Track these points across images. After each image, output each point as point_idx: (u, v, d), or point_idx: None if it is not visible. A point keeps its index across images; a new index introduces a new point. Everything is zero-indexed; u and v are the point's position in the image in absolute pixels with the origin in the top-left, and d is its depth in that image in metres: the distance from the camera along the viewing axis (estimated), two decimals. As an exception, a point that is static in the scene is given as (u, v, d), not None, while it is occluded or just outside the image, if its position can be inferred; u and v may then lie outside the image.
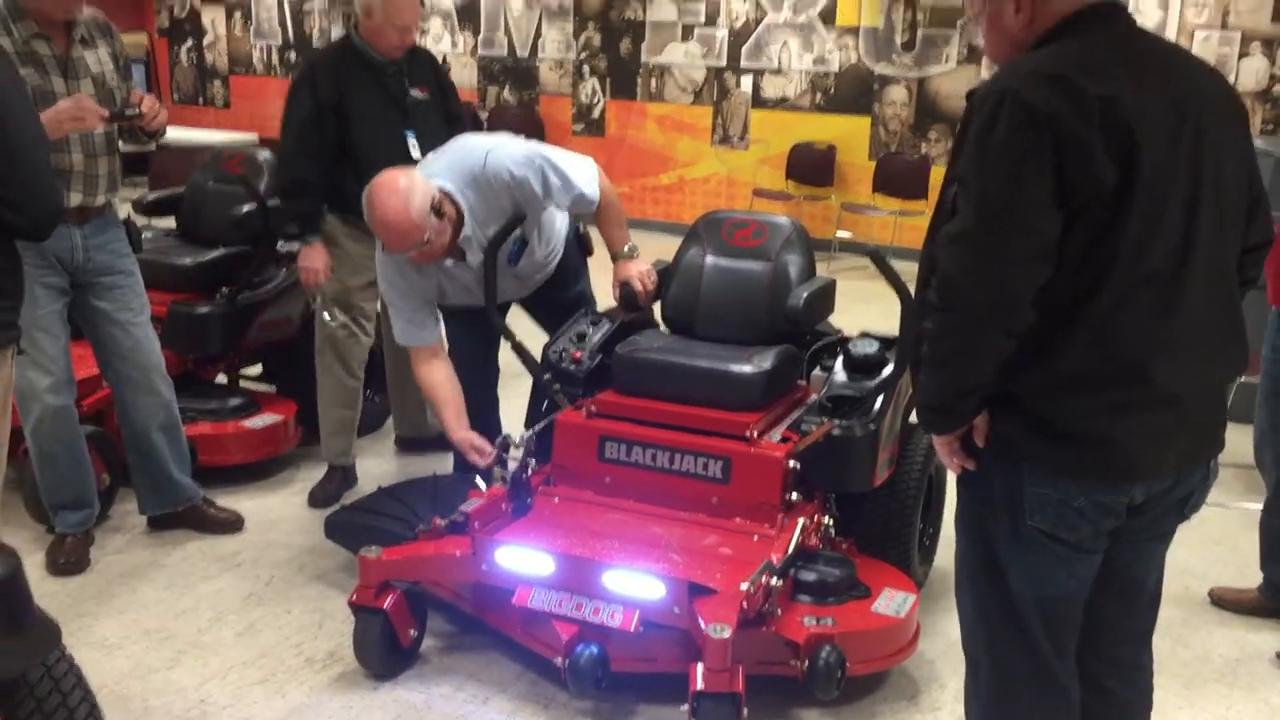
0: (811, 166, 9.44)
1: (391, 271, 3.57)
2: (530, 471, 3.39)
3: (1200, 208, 1.89)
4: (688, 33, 9.93)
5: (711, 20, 9.80)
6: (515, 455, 3.40)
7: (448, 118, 4.34)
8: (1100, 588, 2.10)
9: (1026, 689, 2.12)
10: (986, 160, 1.84)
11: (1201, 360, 1.96)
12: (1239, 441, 4.84)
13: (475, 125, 9.25)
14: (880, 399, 3.30)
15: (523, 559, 3.03)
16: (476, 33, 10.92)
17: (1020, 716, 2.16)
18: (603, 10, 10.26)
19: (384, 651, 3.13)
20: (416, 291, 3.59)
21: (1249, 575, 3.89)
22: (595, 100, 10.49)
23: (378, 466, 4.63)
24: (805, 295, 3.54)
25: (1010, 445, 1.97)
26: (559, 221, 3.81)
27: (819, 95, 9.43)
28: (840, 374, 3.43)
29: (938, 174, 8.96)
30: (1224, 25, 8.11)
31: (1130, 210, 1.83)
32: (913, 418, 3.81)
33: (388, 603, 3.09)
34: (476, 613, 3.27)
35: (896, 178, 9.02)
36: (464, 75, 10.99)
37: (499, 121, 10.69)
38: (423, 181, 3.32)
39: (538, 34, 10.64)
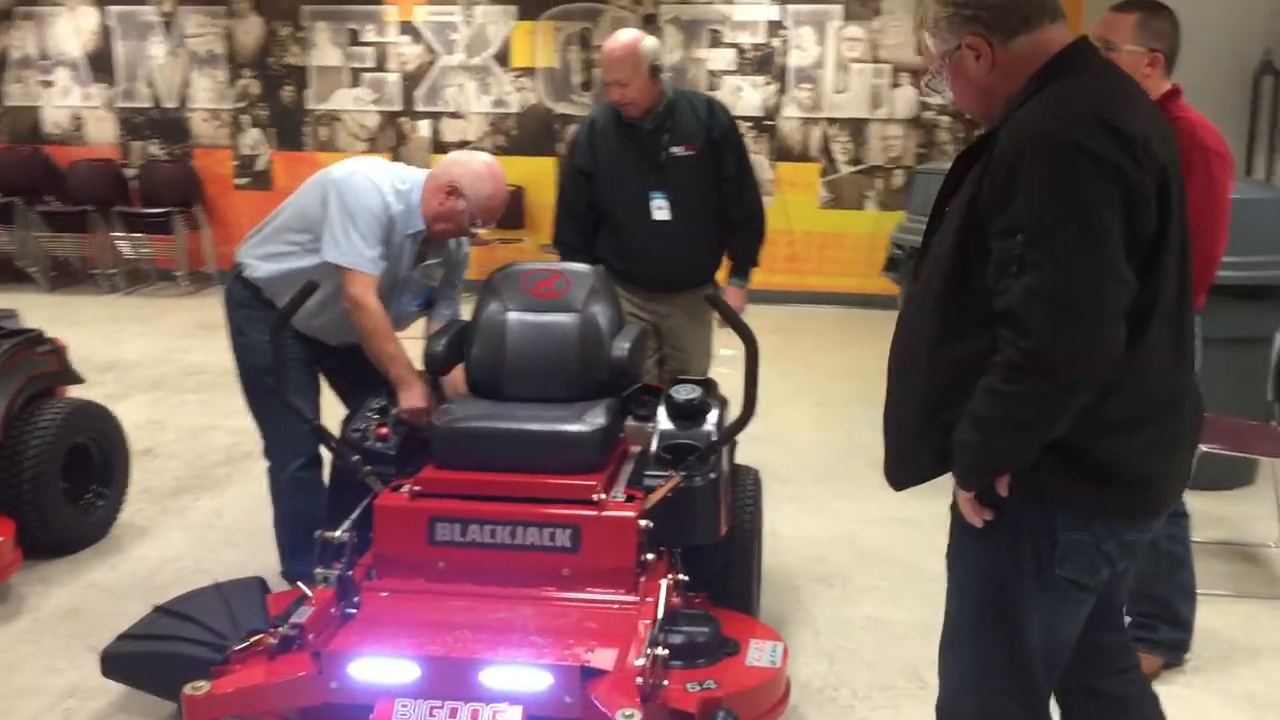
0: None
1: (377, 213, 3.45)
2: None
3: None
4: (356, 78, 9.55)
5: (381, 65, 9.48)
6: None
7: (718, 178, 4.01)
8: (1090, 619, 2.11)
9: None
10: (1064, 212, 1.77)
11: (1193, 390, 2.01)
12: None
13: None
14: (721, 446, 3.22)
15: (380, 670, 2.69)
16: (113, 83, 9.97)
17: None
18: (259, 56, 9.67)
19: (222, 804, 2.68)
20: (379, 243, 3.47)
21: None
22: (259, 152, 9.85)
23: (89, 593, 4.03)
24: (628, 346, 3.41)
25: (1043, 491, 1.92)
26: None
27: (501, 137, 9.34)
28: (665, 423, 3.32)
29: (629, 210, 9.10)
30: (875, 59, 8.78)
31: (1166, 250, 1.84)
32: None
33: (222, 746, 2.65)
34: (318, 739, 2.88)
35: (589, 216, 9.05)
36: (102, 130, 10.01)
37: (150, 178, 9.83)
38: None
39: (186, 82, 9.86)
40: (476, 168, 3.52)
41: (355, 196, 3.46)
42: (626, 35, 4.00)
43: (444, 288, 3.79)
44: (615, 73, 3.92)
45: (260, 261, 3.67)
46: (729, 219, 4.13)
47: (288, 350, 3.60)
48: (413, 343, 3.59)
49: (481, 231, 3.62)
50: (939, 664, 2.24)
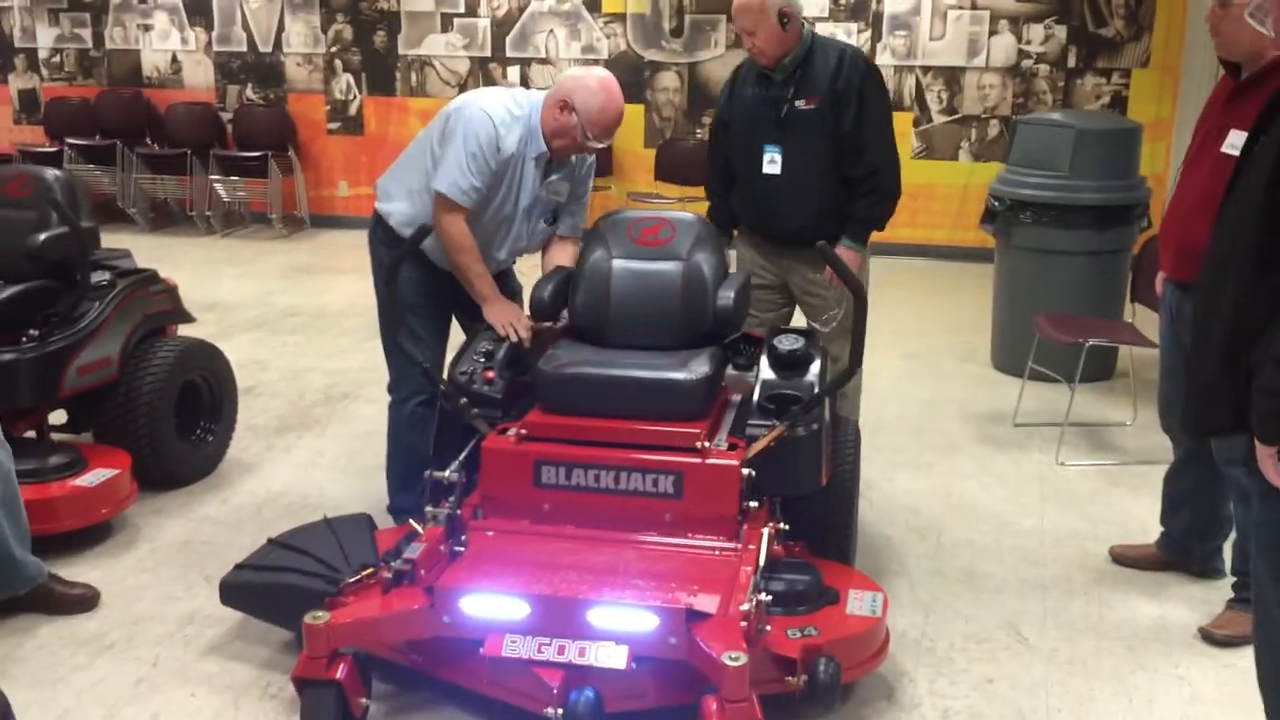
0: (589, 156, 9.31)
1: (489, 147, 3.51)
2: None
3: None
4: (447, 23, 9.57)
5: (472, 10, 9.49)
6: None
7: (837, 133, 3.93)
8: None
9: None
10: None
11: None
12: (1081, 403, 5.15)
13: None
14: (826, 397, 3.23)
15: (491, 606, 2.76)
16: (210, 28, 10.12)
17: None
18: (352, 1, 9.74)
19: (339, 728, 2.78)
20: (488, 174, 3.55)
21: (1132, 530, 4.11)
22: (351, 97, 9.95)
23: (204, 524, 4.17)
24: (733, 294, 3.42)
25: None
26: None
27: (590, 84, 9.31)
28: (768, 372, 3.33)
29: (718, 158, 9.04)
30: (974, 5, 8.58)
31: None
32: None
33: (340, 672, 2.73)
34: (428, 669, 2.97)
35: (677, 165, 9.04)
36: (199, 74, 10.18)
37: (244, 123, 9.99)
38: None
39: (280, 27, 9.97)
40: (589, 82, 3.54)
41: (465, 125, 3.53)
42: None
43: (569, 202, 3.84)
44: (743, 21, 3.92)
45: (391, 195, 3.79)
46: (847, 177, 3.99)
47: (421, 287, 3.73)
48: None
49: (598, 145, 3.64)
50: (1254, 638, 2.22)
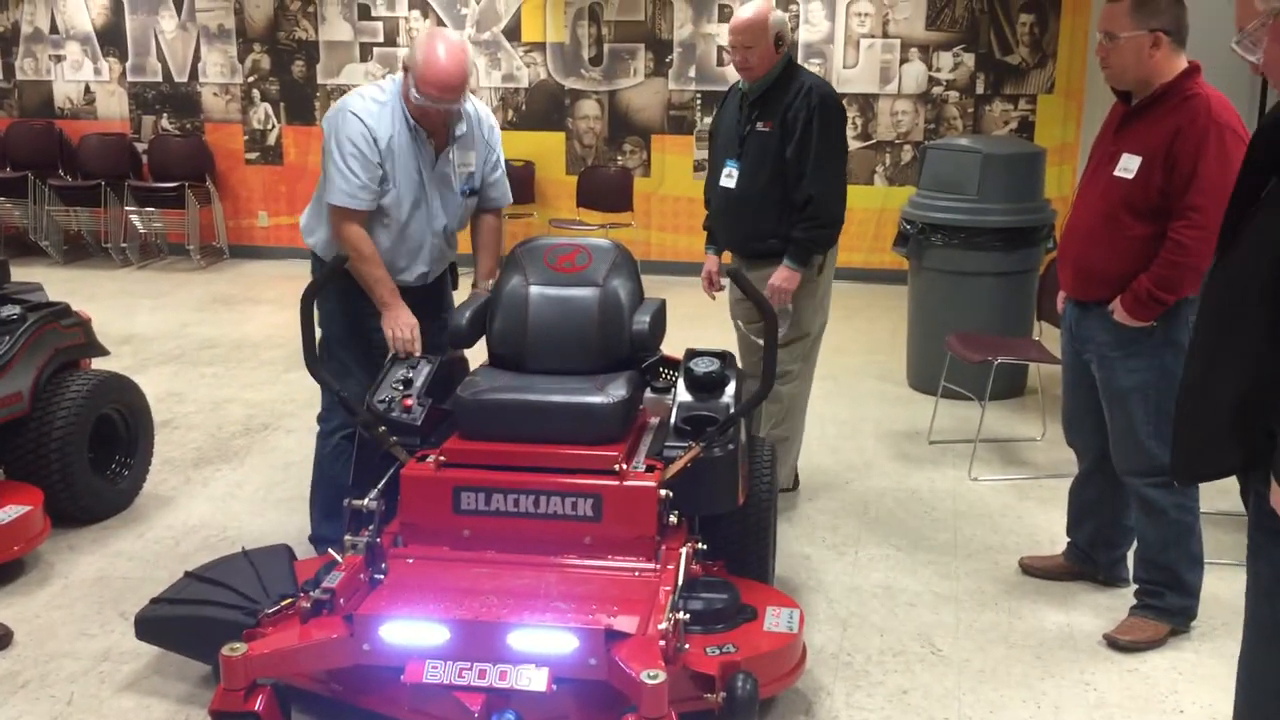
0: (511, 184, 9.31)
1: (362, 141, 3.54)
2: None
3: None
4: (366, 52, 9.56)
5: (390, 39, 9.50)
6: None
7: (782, 158, 4.16)
8: None
9: None
10: None
11: None
12: (993, 419, 5.28)
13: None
14: (740, 418, 3.29)
15: (411, 632, 2.77)
16: (124, 58, 9.99)
17: None
18: (269, 31, 9.69)
19: (259, 761, 2.76)
20: (373, 168, 3.57)
21: (1042, 541, 4.23)
22: (270, 126, 9.88)
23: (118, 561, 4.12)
24: (648, 319, 3.47)
25: None
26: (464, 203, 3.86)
27: (511, 112, 9.36)
28: (684, 394, 3.39)
29: (641, 185, 9.16)
30: (885, 34, 8.79)
31: None
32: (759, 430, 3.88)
33: (259, 704, 2.72)
34: (349, 698, 2.97)
35: (599, 192, 9.12)
36: (113, 105, 10.04)
37: (160, 153, 9.87)
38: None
39: (196, 57, 9.88)
40: (421, 39, 3.56)
41: (335, 131, 3.60)
42: (757, 3, 4.23)
43: (488, 172, 3.91)
44: (742, 37, 4.13)
45: (312, 228, 3.83)
46: (791, 201, 4.21)
47: (343, 319, 3.77)
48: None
49: (439, 106, 3.53)
50: (1239, 673, 2.21)
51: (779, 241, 4.25)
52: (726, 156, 4.33)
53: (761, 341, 3.42)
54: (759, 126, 4.22)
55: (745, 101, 4.29)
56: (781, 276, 4.23)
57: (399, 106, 3.60)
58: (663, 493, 3.12)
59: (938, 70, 8.78)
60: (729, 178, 4.30)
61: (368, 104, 3.59)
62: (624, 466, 3.16)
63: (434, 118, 3.59)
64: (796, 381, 4.47)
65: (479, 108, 3.83)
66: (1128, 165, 3.35)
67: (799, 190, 4.19)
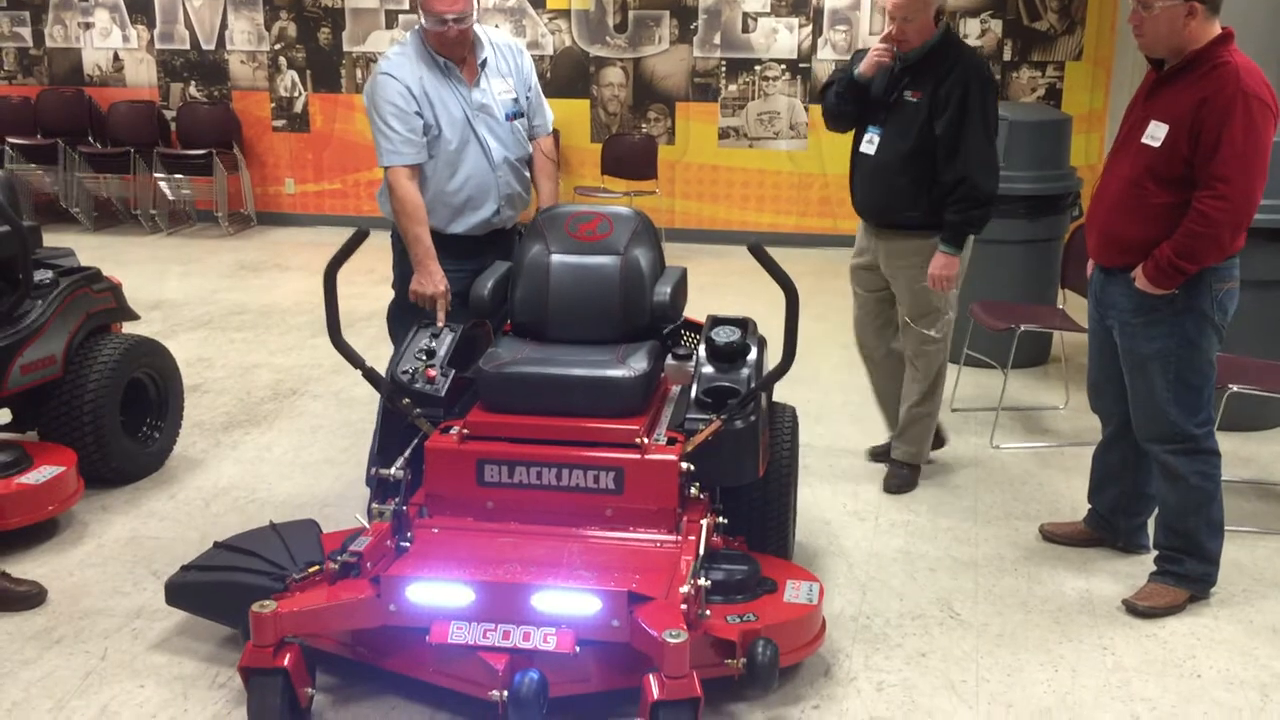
0: (536, 152, 9.35)
1: (396, 96, 3.70)
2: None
3: None
4: (391, 19, 9.56)
5: (415, 6, 9.48)
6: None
7: (931, 132, 4.01)
8: None
9: None
10: None
11: None
12: (1016, 388, 5.28)
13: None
14: (760, 392, 3.30)
15: (436, 593, 2.82)
16: (152, 26, 10.03)
17: None
18: (295, -2, 9.71)
19: (287, 717, 2.82)
20: (411, 118, 3.73)
21: (1063, 509, 4.24)
22: (296, 94, 9.91)
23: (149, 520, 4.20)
24: (669, 289, 3.49)
25: None
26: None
27: (536, 79, 9.34)
28: (706, 365, 3.40)
29: (665, 153, 9.15)
30: (912, 0, 8.71)
31: None
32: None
33: (287, 660, 2.79)
34: (374, 660, 3.02)
35: (624, 159, 9.11)
36: (141, 73, 10.09)
37: (188, 120, 9.93)
38: None
39: (224, 25, 9.91)
40: None
41: (369, 96, 3.81)
42: None
43: (531, 98, 4.06)
44: (904, 10, 3.98)
45: (382, 198, 3.97)
46: (939, 178, 4.06)
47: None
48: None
49: (443, 27, 3.69)
50: None
51: (918, 215, 4.12)
52: (869, 122, 4.19)
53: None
54: (907, 95, 4.06)
55: (892, 67, 4.11)
56: (939, 264, 4.08)
57: (421, 48, 3.80)
58: (684, 466, 3.14)
59: (965, 36, 8.70)
60: (869, 144, 4.17)
61: (390, 59, 3.80)
62: (645, 440, 3.17)
63: (452, 39, 3.74)
64: (940, 355, 4.40)
65: (503, 35, 4.08)
66: (1155, 133, 3.34)
67: (950, 169, 4.02)
